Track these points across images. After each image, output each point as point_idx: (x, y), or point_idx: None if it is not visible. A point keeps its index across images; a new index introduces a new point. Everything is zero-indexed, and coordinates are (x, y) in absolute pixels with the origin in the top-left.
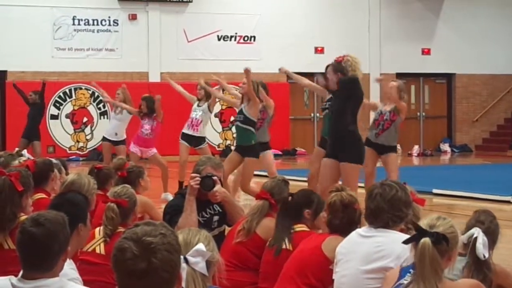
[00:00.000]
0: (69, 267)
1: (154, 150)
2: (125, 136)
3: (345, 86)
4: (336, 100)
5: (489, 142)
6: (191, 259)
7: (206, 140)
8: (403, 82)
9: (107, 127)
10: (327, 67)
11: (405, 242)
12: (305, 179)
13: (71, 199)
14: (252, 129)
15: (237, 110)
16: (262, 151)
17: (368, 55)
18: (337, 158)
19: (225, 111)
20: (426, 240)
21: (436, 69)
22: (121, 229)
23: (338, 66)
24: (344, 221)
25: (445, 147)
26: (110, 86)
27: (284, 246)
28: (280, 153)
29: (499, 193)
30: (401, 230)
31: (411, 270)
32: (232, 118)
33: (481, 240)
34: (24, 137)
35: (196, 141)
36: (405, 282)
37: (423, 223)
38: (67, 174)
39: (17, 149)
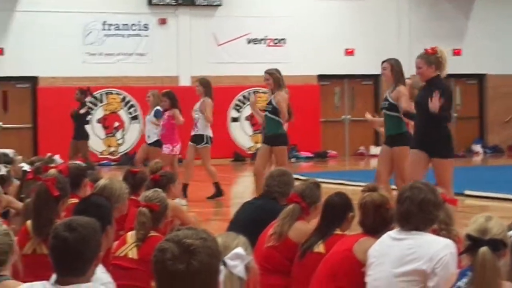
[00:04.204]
0: (101, 271)
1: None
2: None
3: (439, 85)
4: (426, 93)
5: None
6: (229, 262)
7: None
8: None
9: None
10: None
11: (461, 253)
12: (336, 181)
13: (95, 202)
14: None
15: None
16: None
17: (398, 57)
18: (426, 150)
19: None
20: (484, 250)
21: (467, 70)
22: (153, 233)
23: (433, 58)
24: (376, 222)
25: (477, 148)
26: (140, 91)
27: (316, 249)
28: (311, 155)
29: None
30: (433, 231)
31: (468, 273)
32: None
33: None
34: (73, 138)
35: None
36: (462, 285)
37: (473, 228)
38: (98, 178)
39: (48, 154)
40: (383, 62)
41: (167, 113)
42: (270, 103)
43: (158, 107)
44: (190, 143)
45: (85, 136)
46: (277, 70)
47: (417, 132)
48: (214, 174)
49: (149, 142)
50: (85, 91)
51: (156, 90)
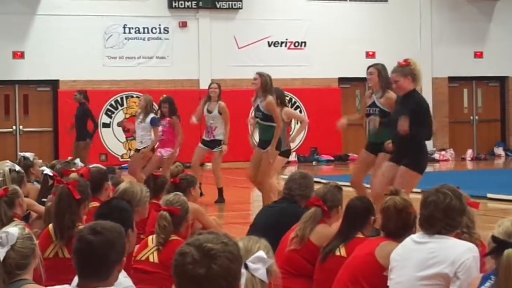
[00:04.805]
0: (122, 276)
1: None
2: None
3: (415, 100)
4: (402, 106)
5: None
6: (251, 265)
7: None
8: None
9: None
10: (369, 67)
11: (485, 255)
12: None
13: (117, 206)
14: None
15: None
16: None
17: (420, 59)
18: (397, 162)
19: None
20: (510, 252)
21: (488, 73)
22: (174, 237)
23: (407, 70)
24: (398, 226)
25: (499, 151)
26: (161, 94)
27: (338, 253)
28: (332, 158)
29: None
30: (455, 235)
31: (492, 277)
32: None
33: None
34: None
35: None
36: None
37: (499, 231)
38: (119, 182)
39: (70, 158)
40: (369, 67)
41: (167, 120)
42: (258, 109)
43: (153, 115)
44: (202, 146)
45: (86, 137)
46: (268, 75)
47: (395, 147)
48: (221, 179)
49: (140, 147)
50: (84, 92)
51: (149, 95)
